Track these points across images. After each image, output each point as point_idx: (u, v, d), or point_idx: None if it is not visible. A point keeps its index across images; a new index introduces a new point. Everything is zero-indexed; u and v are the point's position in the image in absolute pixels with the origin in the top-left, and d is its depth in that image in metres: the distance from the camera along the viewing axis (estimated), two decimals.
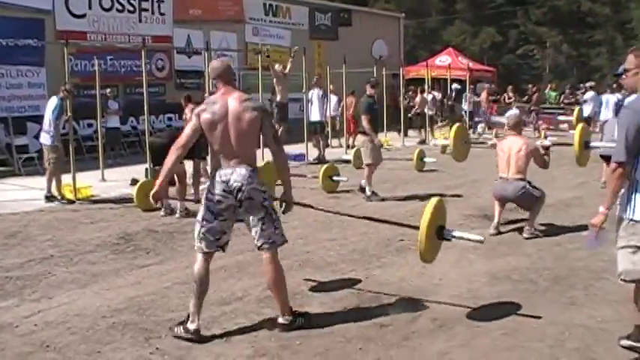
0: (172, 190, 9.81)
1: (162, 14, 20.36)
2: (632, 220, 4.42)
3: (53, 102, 10.86)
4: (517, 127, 8.77)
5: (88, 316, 5.51)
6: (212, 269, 6.73)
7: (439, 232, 5.27)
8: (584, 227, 8.52)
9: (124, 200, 10.89)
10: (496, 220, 8.41)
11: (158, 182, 5.14)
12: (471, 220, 9.24)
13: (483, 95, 25.24)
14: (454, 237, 5.35)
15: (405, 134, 21.38)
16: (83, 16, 18.20)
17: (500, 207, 8.50)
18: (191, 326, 4.99)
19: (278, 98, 16.33)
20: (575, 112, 20.48)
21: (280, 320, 5.16)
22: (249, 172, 4.98)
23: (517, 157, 8.28)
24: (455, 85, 25.50)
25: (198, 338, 4.95)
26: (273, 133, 5.28)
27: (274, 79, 16.24)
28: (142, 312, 5.58)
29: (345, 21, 27.91)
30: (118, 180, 12.68)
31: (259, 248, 5.09)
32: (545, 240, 8.03)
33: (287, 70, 16.24)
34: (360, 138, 11.82)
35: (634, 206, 4.41)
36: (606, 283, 6.30)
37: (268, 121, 5.20)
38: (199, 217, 5.13)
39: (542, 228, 8.51)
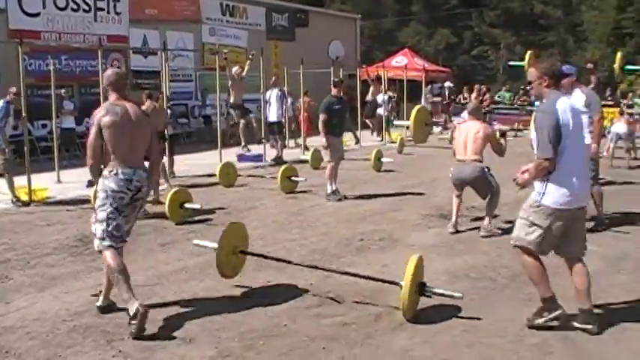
0: None
1: (118, 14, 20.17)
2: (539, 203, 5.01)
3: None
4: (477, 112, 8.90)
5: (48, 320, 5.44)
6: (172, 270, 6.79)
7: (420, 289, 5.42)
8: None
9: (80, 202, 10.76)
10: (454, 218, 8.51)
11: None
12: (430, 219, 9.34)
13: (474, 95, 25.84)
14: (434, 294, 5.46)
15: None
16: (37, 14, 17.96)
17: (458, 198, 8.55)
18: (133, 306, 5.03)
19: (232, 100, 16.28)
20: None
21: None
22: (146, 173, 5.53)
23: (474, 139, 8.39)
24: (447, 84, 26.05)
25: (145, 310, 5.04)
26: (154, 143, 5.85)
27: (229, 81, 16.19)
28: (102, 315, 5.52)
29: (302, 22, 27.96)
30: (74, 181, 12.51)
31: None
32: (503, 238, 8.13)
33: (244, 73, 16.20)
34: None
35: (544, 192, 5.00)
36: (561, 280, 6.38)
37: (154, 130, 5.93)
38: (101, 217, 5.35)
39: (500, 226, 8.63)
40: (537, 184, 5.05)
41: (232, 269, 6.13)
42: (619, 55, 15.28)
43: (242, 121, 16.44)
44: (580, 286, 5.24)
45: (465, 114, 15.10)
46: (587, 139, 8.58)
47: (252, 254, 6.38)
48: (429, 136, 10.39)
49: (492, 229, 8.37)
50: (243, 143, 16.47)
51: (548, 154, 4.88)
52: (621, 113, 17.43)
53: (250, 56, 16.94)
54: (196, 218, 9.46)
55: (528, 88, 5.27)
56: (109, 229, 5.32)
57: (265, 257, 6.54)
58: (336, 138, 11.17)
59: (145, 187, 5.52)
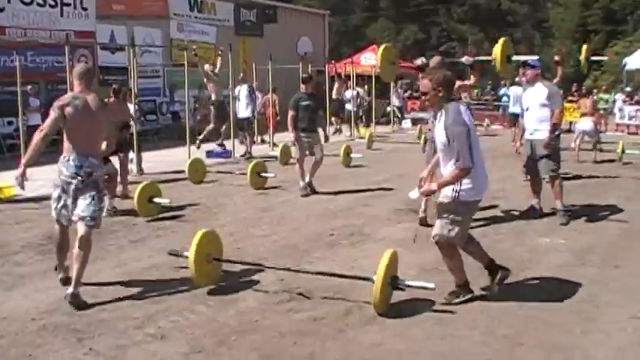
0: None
1: (84, 9, 19.96)
2: (458, 199, 5.40)
3: None
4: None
5: (17, 319, 5.38)
6: (143, 267, 6.76)
7: (393, 283, 5.45)
8: (509, 219, 8.85)
9: (48, 199, 10.60)
10: (423, 208, 8.54)
11: (22, 162, 6.03)
12: (399, 214, 9.39)
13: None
14: (407, 286, 5.51)
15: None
16: (2, 10, 17.70)
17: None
18: (60, 276, 6.13)
19: (213, 97, 16.14)
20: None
21: (70, 290, 5.64)
22: (98, 160, 6.07)
23: None
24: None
25: (63, 283, 5.96)
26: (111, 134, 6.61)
27: (205, 79, 16.11)
28: (72, 313, 5.47)
29: (271, 17, 27.88)
30: (42, 179, 12.31)
31: (80, 219, 5.87)
32: (472, 232, 8.20)
33: (217, 69, 16.11)
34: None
35: (460, 189, 5.36)
36: (531, 272, 6.53)
37: (109, 120, 6.47)
38: (53, 196, 6.08)
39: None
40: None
41: (206, 277, 6.04)
42: (585, 47, 15.49)
43: (212, 125, 16.19)
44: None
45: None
46: (545, 131, 8.75)
47: (227, 261, 6.33)
48: (395, 75, 10.45)
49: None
50: (201, 138, 16.15)
51: (469, 164, 5.23)
52: (594, 108, 17.50)
53: (219, 52, 16.85)
54: (166, 215, 9.41)
55: (424, 98, 5.56)
56: (57, 206, 6.00)
57: (240, 263, 6.47)
58: (304, 134, 11.16)
59: (96, 172, 6.01)
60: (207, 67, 15.96)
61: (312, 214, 9.52)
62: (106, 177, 9.16)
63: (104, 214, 9.09)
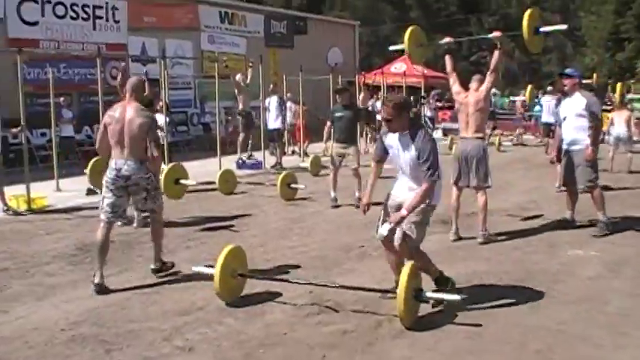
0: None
1: (116, 22, 20.20)
2: (429, 204, 5.68)
3: None
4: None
5: (46, 329, 5.40)
6: (172, 279, 6.75)
7: (417, 295, 5.36)
8: (541, 230, 8.72)
9: (79, 210, 10.74)
10: (454, 225, 8.45)
11: None
12: (431, 225, 9.26)
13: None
14: (431, 299, 5.47)
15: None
16: (36, 23, 17.97)
17: (457, 202, 8.46)
18: (96, 278, 6.35)
19: (240, 107, 16.22)
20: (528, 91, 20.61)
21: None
22: (139, 164, 6.53)
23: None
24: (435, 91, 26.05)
25: (98, 289, 6.29)
26: (155, 139, 6.67)
27: (236, 90, 16.19)
28: (101, 324, 5.49)
29: (301, 29, 27.99)
30: (74, 190, 12.48)
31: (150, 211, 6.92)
32: (503, 244, 8.13)
33: (248, 80, 16.16)
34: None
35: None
36: (563, 286, 6.41)
37: (153, 129, 6.70)
38: (101, 196, 6.73)
39: (499, 232, 8.60)
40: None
41: (231, 293, 5.99)
42: (619, 86, 15.32)
43: (242, 135, 16.30)
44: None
45: None
46: (583, 142, 8.59)
47: (252, 277, 6.26)
48: (425, 55, 10.27)
49: (489, 236, 8.30)
50: (240, 153, 16.32)
51: (441, 175, 5.67)
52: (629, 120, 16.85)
53: (250, 64, 16.90)
54: (196, 227, 9.43)
55: (388, 126, 5.70)
56: (103, 204, 6.57)
57: (264, 279, 6.36)
58: (337, 145, 11.14)
59: (134, 176, 6.51)
60: (238, 76, 16.04)
61: (342, 225, 9.46)
62: None
63: (134, 225, 9.19)
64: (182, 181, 9.55)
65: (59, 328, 5.42)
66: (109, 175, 6.54)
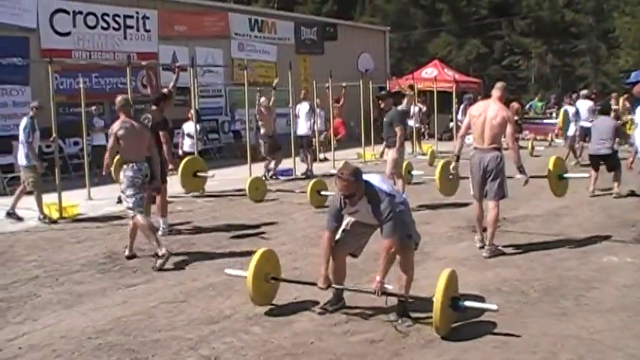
0: (154, 208, 9.75)
1: (147, 31, 20.33)
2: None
3: (23, 122, 10.78)
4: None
5: (74, 337, 5.42)
6: (200, 287, 6.75)
7: (453, 304, 5.24)
8: (574, 236, 8.55)
9: (110, 218, 10.80)
10: (479, 232, 8.27)
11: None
12: (461, 232, 9.20)
13: None
14: (468, 308, 5.32)
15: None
16: (68, 34, 18.16)
17: (480, 210, 8.24)
18: (162, 250, 7.63)
19: (262, 131, 15.95)
20: (561, 116, 20.30)
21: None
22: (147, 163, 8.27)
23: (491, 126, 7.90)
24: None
25: (169, 252, 7.68)
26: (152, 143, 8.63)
27: (257, 114, 16.00)
28: (128, 332, 5.49)
29: (331, 35, 27.95)
30: (105, 198, 12.56)
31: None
32: (535, 250, 8.00)
33: (271, 103, 15.98)
34: None
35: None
36: (597, 293, 6.27)
37: (149, 135, 8.63)
38: (129, 193, 7.96)
39: (530, 238, 8.48)
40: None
41: (264, 297, 5.96)
42: None
43: (268, 161, 16.02)
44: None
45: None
46: None
47: (285, 280, 6.22)
48: (457, 188, 10.15)
49: (496, 249, 7.94)
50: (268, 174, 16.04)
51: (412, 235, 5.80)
52: None
53: (274, 86, 16.75)
54: (225, 234, 9.43)
55: (351, 202, 5.50)
56: (136, 200, 7.94)
57: (297, 282, 6.37)
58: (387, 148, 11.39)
59: (148, 172, 8.23)
60: (262, 100, 15.73)
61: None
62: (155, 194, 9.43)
63: (160, 232, 9.22)
64: (200, 174, 9.71)
65: (86, 336, 5.44)
66: (132, 174, 8.00)
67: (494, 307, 5.25)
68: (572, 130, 17.07)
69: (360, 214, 5.67)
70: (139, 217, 7.85)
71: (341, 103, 19.91)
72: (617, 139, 12.13)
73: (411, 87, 22.99)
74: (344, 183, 5.39)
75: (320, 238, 6.05)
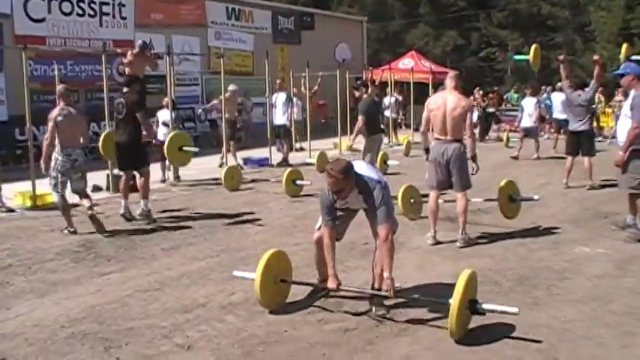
0: (132, 195, 9.73)
1: (123, 18, 20.16)
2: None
3: None
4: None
5: (47, 326, 5.39)
6: (174, 276, 6.74)
7: (471, 307, 5.04)
8: (547, 227, 8.63)
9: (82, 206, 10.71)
10: (432, 227, 8.14)
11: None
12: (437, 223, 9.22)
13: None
14: (487, 311, 5.07)
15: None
16: (42, 20, 17.97)
17: (435, 202, 8.18)
18: (70, 229, 8.86)
19: (227, 115, 15.77)
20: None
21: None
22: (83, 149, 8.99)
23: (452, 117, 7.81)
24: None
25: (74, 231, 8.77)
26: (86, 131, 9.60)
27: (219, 99, 15.76)
28: (101, 321, 5.47)
29: (308, 25, 27.91)
30: None
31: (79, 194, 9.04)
32: (508, 241, 8.06)
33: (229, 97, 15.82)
34: None
35: None
36: (568, 283, 6.35)
37: (85, 123, 9.54)
38: (52, 174, 8.71)
39: (503, 228, 8.55)
40: None
41: (273, 300, 5.69)
42: (625, 46, 15.08)
43: (232, 143, 15.81)
44: None
45: (474, 115, 15.02)
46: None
47: (295, 283, 6.00)
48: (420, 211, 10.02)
49: (470, 239, 7.99)
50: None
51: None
52: None
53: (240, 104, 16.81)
54: (201, 222, 9.41)
55: (341, 195, 5.36)
56: (57, 183, 8.69)
57: (308, 285, 6.11)
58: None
59: (80, 158, 8.82)
60: (230, 87, 15.61)
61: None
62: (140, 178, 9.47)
63: (138, 212, 9.28)
64: (185, 148, 9.95)
65: (60, 325, 5.42)
66: (61, 158, 8.62)
67: (515, 310, 4.99)
68: (526, 122, 17.08)
69: (349, 204, 5.61)
70: (56, 197, 8.84)
71: (313, 91, 19.85)
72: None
73: (373, 82, 23.00)
74: (332, 179, 5.24)
75: (317, 239, 5.83)
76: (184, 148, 10.05)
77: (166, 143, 9.98)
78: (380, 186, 5.39)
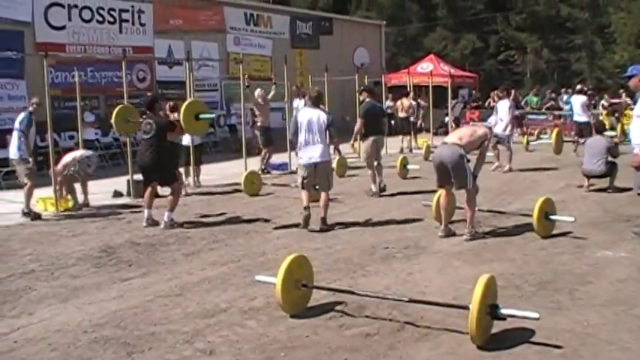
0: (158, 201, 9.78)
1: (142, 25, 20.32)
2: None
3: (21, 116, 10.76)
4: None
5: (69, 331, 5.42)
6: (195, 281, 6.76)
7: (491, 312, 4.98)
8: (569, 231, 8.55)
9: (106, 212, 10.80)
10: (443, 221, 8.53)
11: None
12: (456, 226, 9.19)
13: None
14: (507, 316, 5.02)
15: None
16: (63, 27, 18.16)
17: (445, 198, 8.57)
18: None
19: (259, 123, 15.90)
20: None
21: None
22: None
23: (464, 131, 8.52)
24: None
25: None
26: None
27: (254, 105, 15.96)
28: (124, 326, 5.50)
29: (327, 29, 27.95)
30: (100, 192, 12.55)
31: None
32: (529, 245, 8.02)
33: (270, 97, 15.95)
34: None
35: None
36: (590, 287, 6.29)
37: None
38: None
39: (524, 232, 8.50)
40: None
41: (294, 305, 5.68)
42: None
43: (264, 150, 15.94)
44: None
45: (492, 119, 14.90)
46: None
47: (317, 287, 5.99)
48: None
49: (476, 233, 8.37)
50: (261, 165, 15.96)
51: None
52: None
53: (274, 83, 16.63)
54: (221, 227, 9.44)
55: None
56: None
57: (331, 290, 6.12)
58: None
59: None
60: (257, 92, 15.70)
61: (366, 226, 9.41)
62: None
63: (161, 226, 9.27)
64: (202, 116, 9.81)
65: (82, 330, 5.45)
66: None
67: (535, 315, 4.95)
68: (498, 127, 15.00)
69: None
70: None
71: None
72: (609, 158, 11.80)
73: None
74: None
75: None
76: (201, 116, 9.89)
77: (182, 111, 9.71)
78: None
